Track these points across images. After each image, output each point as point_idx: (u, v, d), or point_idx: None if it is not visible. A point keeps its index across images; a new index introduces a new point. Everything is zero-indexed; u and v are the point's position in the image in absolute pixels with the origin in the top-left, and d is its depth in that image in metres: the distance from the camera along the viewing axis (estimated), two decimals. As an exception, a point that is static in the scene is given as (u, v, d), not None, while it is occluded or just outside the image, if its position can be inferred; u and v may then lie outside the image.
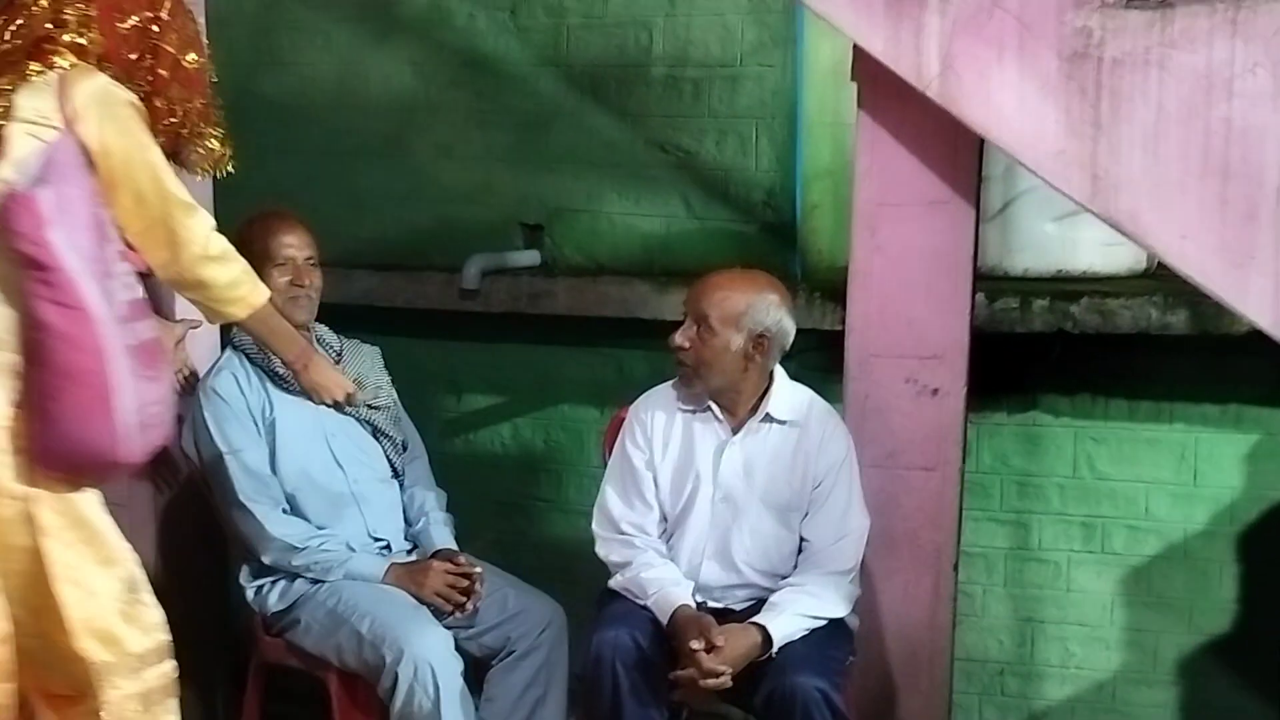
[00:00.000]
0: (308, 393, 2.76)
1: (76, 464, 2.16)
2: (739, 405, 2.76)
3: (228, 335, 2.99)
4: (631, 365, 4.07)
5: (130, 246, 2.26)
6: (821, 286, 3.76)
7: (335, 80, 4.35)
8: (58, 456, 2.13)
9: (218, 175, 2.53)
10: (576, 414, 4.23)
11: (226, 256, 2.38)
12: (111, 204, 2.19)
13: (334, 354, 3.04)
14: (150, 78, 2.30)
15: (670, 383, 2.84)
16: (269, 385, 2.89)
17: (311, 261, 2.95)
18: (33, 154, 2.09)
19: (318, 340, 3.03)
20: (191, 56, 2.35)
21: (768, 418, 2.76)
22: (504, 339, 4.24)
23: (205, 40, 2.44)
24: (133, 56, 2.27)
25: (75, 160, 2.13)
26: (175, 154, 2.41)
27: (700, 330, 2.68)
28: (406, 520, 3.03)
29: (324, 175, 4.34)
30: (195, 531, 3.05)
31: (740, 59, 3.88)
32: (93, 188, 2.15)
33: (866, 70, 2.81)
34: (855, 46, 2.78)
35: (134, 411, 2.14)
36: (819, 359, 3.76)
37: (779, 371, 2.81)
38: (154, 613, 2.29)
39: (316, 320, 3.03)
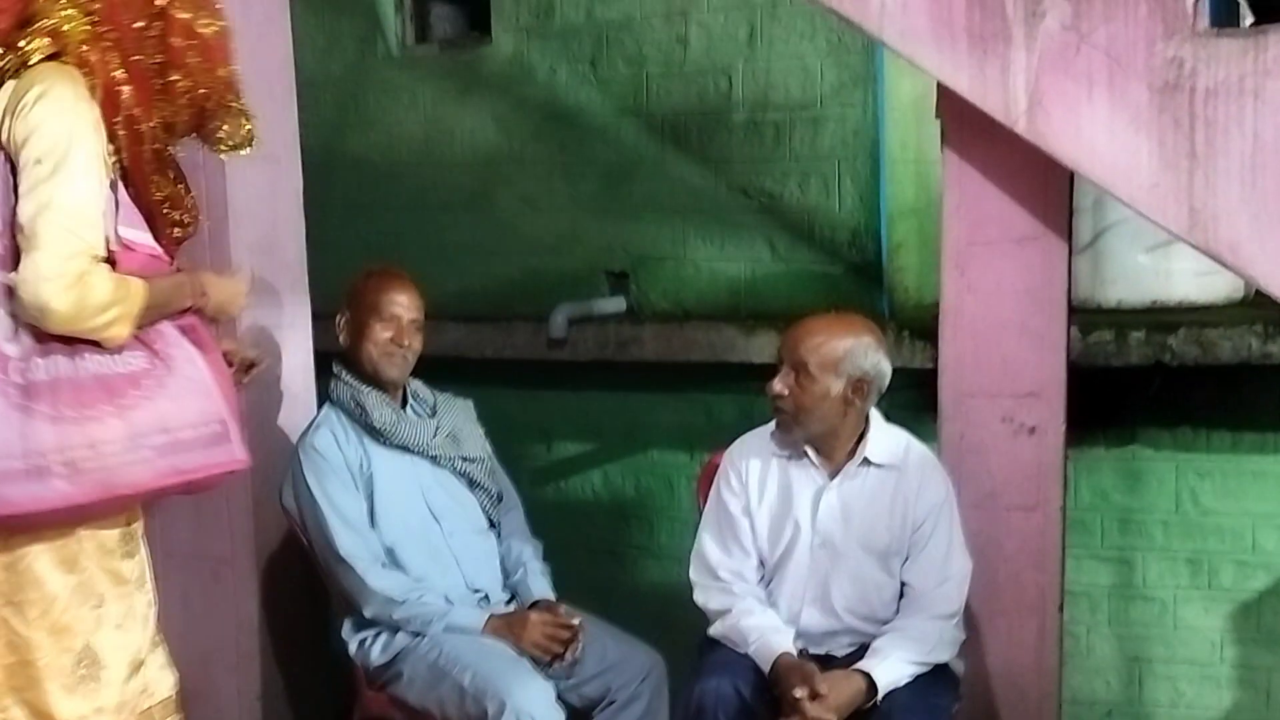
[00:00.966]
0: (215, 316, 2.28)
1: None
2: (836, 450, 2.74)
3: (326, 392, 3.03)
4: (720, 409, 4.07)
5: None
6: (910, 324, 3.73)
7: (421, 137, 4.43)
8: None
9: (240, 151, 2.31)
10: (666, 459, 4.23)
11: (89, 293, 1.97)
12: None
13: (428, 408, 3.07)
14: (162, 47, 2.12)
15: (764, 428, 2.83)
16: (366, 440, 2.93)
17: (416, 324, 2.99)
18: None
19: (413, 395, 3.06)
20: (205, 21, 2.16)
21: (865, 462, 2.73)
22: (592, 386, 4.26)
23: (220, 8, 2.21)
24: (139, 24, 2.09)
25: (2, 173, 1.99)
26: (199, 129, 2.24)
27: (799, 377, 2.67)
28: (504, 571, 3.04)
29: (411, 230, 4.41)
30: (298, 586, 3.09)
31: (821, 100, 3.89)
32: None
33: (951, 108, 2.79)
34: (940, 85, 2.77)
35: (19, 456, 1.92)
36: (910, 398, 3.72)
37: (874, 414, 2.79)
38: (108, 693, 2.09)
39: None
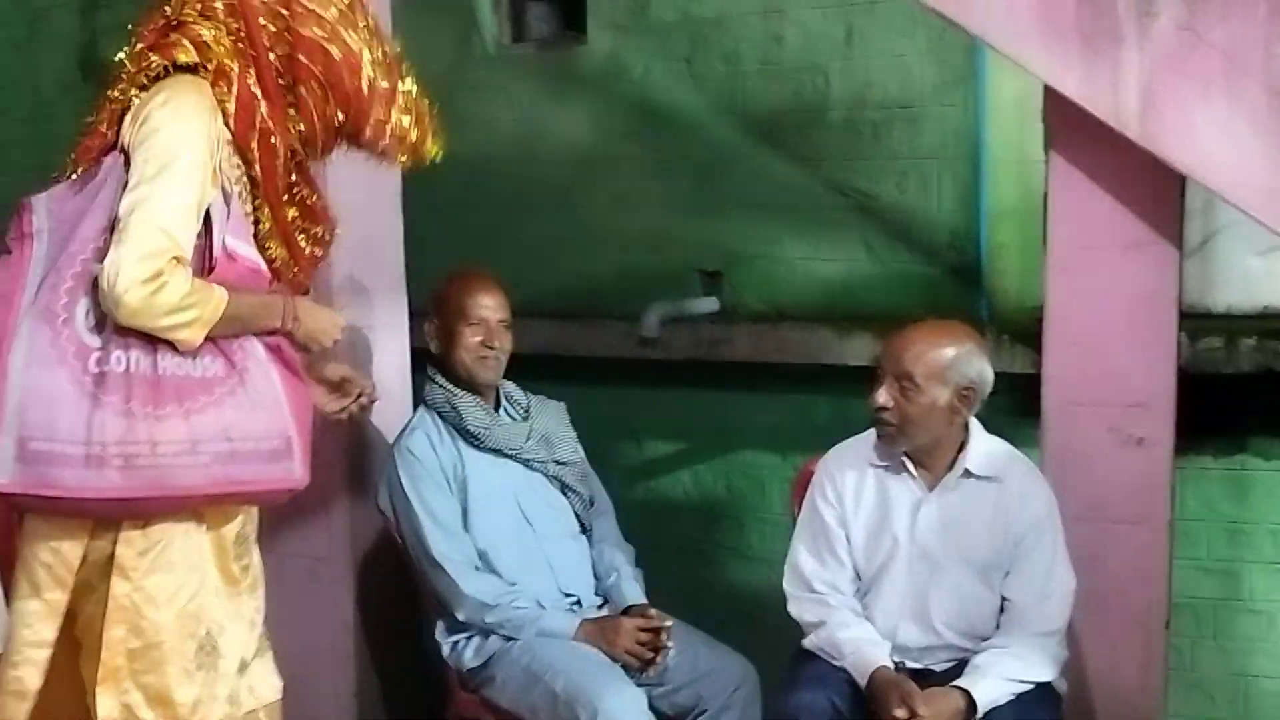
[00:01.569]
0: (305, 344, 2.27)
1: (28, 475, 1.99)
2: (936, 461, 2.69)
3: (420, 394, 3.05)
4: (814, 411, 4.02)
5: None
6: (1010, 329, 3.65)
7: (516, 135, 4.43)
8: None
9: (424, 163, 2.39)
10: (758, 460, 4.19)
11: (163, 290, 2.00)
12: None
13: (522, 410, 3.07)
14: (290, 65, 2.16)
15: (859, 438, 2.78)
16: (460, 443, 2.94)
17: (505, 324, 2.98)
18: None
19: (506, 397, 3.07)
20: (327, 37, 2.17)
21: (965, 473, 2.68)
22: (684, 386, 4.23)
23: (364, 24, 2.22)
24: (270, 42, 2.14)
25: (116, 173, 2.06)
26: (356, 140, 2.29)
27: (903, 388, 2.61)
28: (596, 576, 3.03)
29: (505, 227, 4.42)
30: (393, 586, 3.10)
31: (920, 98, 3.82)
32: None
33: (1058, 110, 2.72)
34: (1046, 87, 2.70)
35: (30, 439, 1.96)
36: (1009, 403, 3.63)
37: (975, 424, 2.73)
38: (223, 683, 2.14)
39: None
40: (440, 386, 2.96)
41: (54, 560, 2.08)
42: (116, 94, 2.12)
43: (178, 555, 2.11)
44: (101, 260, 1.99)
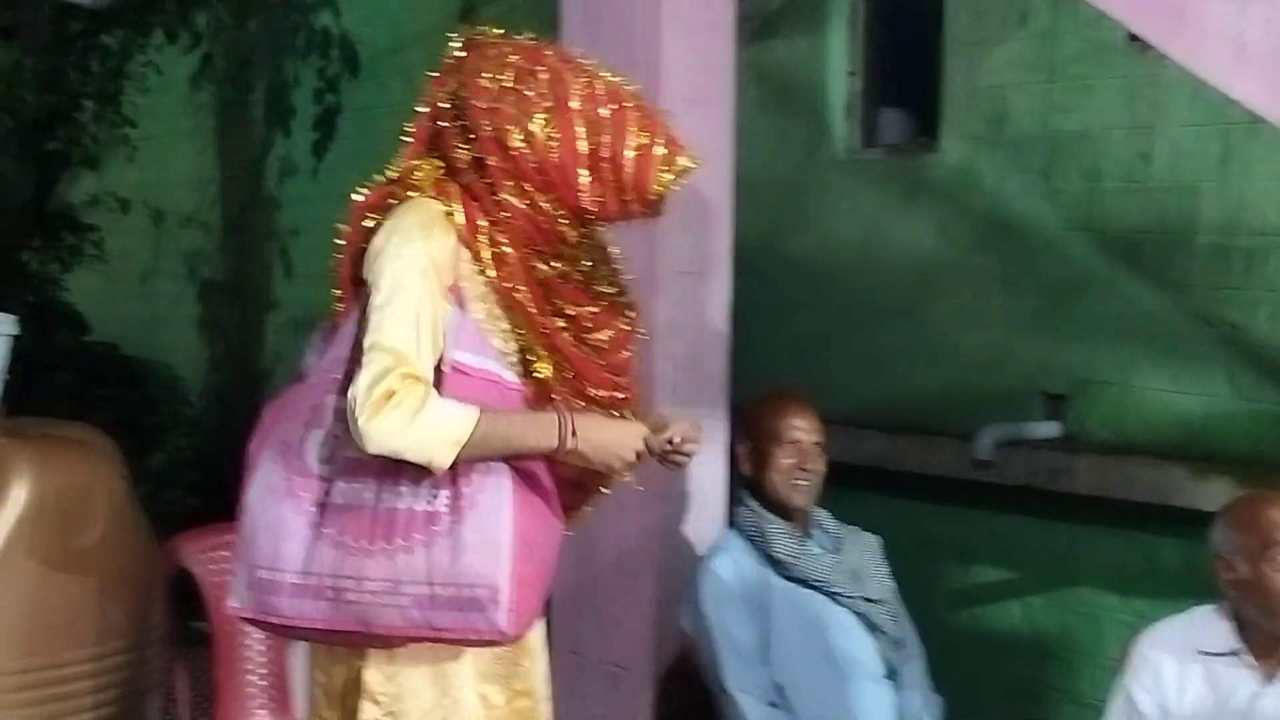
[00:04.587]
0: (602, 469, 2.13)
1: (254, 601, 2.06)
2: (1276, 646, 2.42)
3: (732, 516, 3.04)
4: (1161, 554, 3.73)
5: None
6: (1392, 485, 3.27)
7: (859, 241, 4.39)
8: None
9: (669, 190, 2.12)
10: (1095, 599, 3.93)
11: (401, 408, 1.94)
12: None
13: (833, 539, 2.99)
14: (481, 170, 2.09)
15: (1180, 619, 2.54)
16: (767, 570, 2.89)
17: (820, 447, 2.92)
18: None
19: (817, 525, 3.00)
20: (522, 129, 2.05)
21: (1311, 662, 2.40)
22: (1018, 511, 4.03)
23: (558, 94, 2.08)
24: (459, 150, 2.10)
25: (354, 310, 2.08)
26: (601, 217, 2.13)
27: None
28: (898, 724, 2.90)
29: (841, 333, 4.38)
30: (694, 700, 3.08)
31: (1303, 227, 3.50)
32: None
33: None
34: None
35: (257, 567, 2.01)
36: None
37: (1317, 605, 2.45)
38: None
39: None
40: (750, 510, 2.94)
41: (325, 679, 2.16)
42: (351, 245, 2.14)
43: (419, 682, 2.10)
44: (338, 392, 2.03)
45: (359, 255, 2.10)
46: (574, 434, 2.05)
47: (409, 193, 2.11)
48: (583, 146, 2.06)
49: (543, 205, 2.09)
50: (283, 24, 6.53)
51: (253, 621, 2.11)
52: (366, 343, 1.98)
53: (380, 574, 1.98)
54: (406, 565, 1.98)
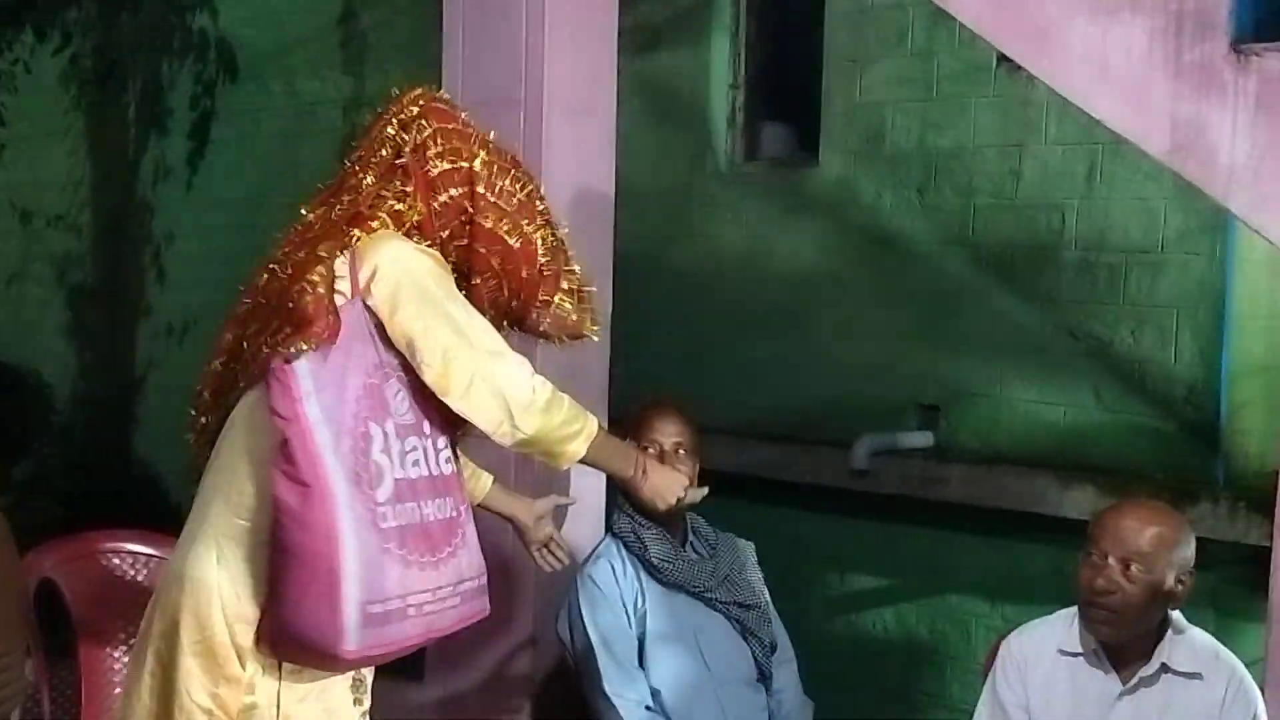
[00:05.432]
0: (649, 502, 2.46)
1: (300, 649, 2.05)
2: (1132, 652, 2.50)
3: (609, 522, 3.04)
4: (1028, 561, 3.84)
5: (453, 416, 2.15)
6: (1247, 495, 3.42)
7: (742, 253, 4.44)
8: (283, 639, 2.05)
9: (578, 339, 2.38)
10: (965, 606, 4.03)
11: (554, 398, 2.17)
12: (418, 368, 2.09)
13: (709, 546, 3.02)
14: (468, 255, 2.22)
15: (1048, 620, 2.61)
16: (643, 576, 2.90)
17: (679, 447, 2.91)
18: None
19: (694, 532, 3.02)
20: (508, 229, 2.21)
21: (1164, 668, 2.48)
22: (893, 520, 4.12)
23: (540, 209, 2.28)
24: (444, 233, 2.20)
25: (358, 329, 2.08)
26: (520, 323, 2.32)
27: (1128, 571, 2.43)
28: (772, 727, 2.94)
29: (724, 344, 4.43)
30: (571, 714, 3.09)
31: (1163, 245, 3.64)
32: (376, 359, 2.08)
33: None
34: (1292, 257, 2.52)
35: (368, 603, 2.00)
36: (1241, 573, 3.40)
37: (1175, 615, 2.54)
38: None
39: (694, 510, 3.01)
40: (628, 517, 2.94)
41: (213, 706, 2.11)
42: (322, 252, 2.12)
43: (338, 699, 2.17)
44: (371, 417, 2.06)
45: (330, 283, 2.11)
46: (645, 472, 2.40)
47: (383, 228, 2.16)
48: (551, 269, 2.29)
49: (501, 300, 2.27)
50: (158, 24, 6.39)
51: (368, 659, 2.12)
52: (488, 344, 2.13)
53: (444, 581, 2.11)
54: (454, 569, 2.13)
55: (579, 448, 2.20)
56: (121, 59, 6.65)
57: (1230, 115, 2.39)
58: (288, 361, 2.02)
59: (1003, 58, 3.71)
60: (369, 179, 2.18)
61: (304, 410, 2.01)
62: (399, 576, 2.03)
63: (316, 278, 2.05)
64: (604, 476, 3.21)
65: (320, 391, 2.03)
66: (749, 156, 4.53)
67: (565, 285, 2.31)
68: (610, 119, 3.23)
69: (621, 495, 3.00)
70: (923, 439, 4.02)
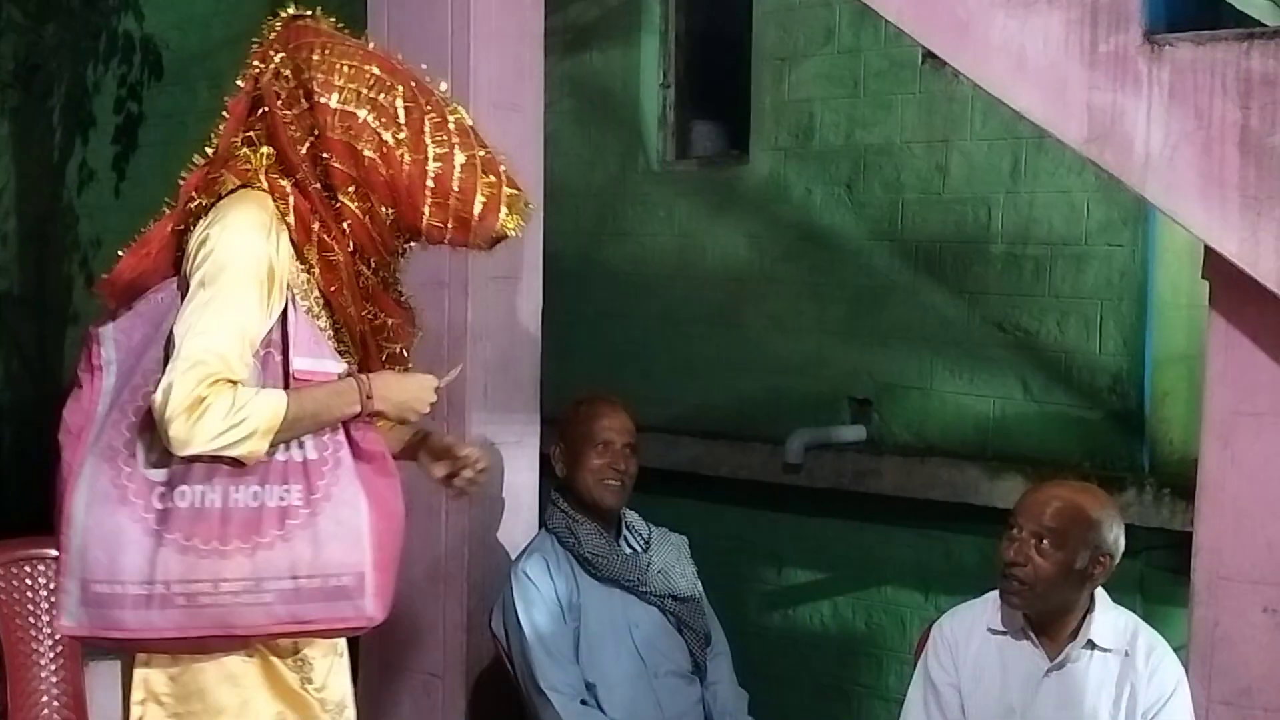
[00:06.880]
0: (399, 419, 2.15)
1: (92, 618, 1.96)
2: (1059, 629, 2.54)
3: (542, 517, 3.04)
4: (960, 550, 3.89)
5: None
6: (1171, 481, 3.49)
7: (674, 251, 4.46)
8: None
9: (501, 240, 2.14)
10: (899, 597, 4.07)
11: (204, 411, 1.91)
12: None
13: (642, 540, 3.03)
14: (326, 172, 2.04)
15: (979, 602, 2.66)
16: (577, 570, 2.91)
17: (631, 448, 2.96)
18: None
19: (628, 526, 3.03)
20: (376, 140, 2.03)
21: (1089, 644, 2.53)
22: (827, 514, 4.15)
23: (429, 120, 2.06)
24: (302, 149, 2.03)
25: (175, 303, 2.00)
26: (420, 236, 2.11)
27: (1040, 545, 2.48)
28: (707, 718, 2.95)
29: (658, 342, 4.44)
30: (507, 707, 3.08)
31: (1086, 237, 3.70)
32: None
33: (1219, 270, 2.57)
34: (1206, 245, 2.56)
35: (93, 581, 1.92)
36: (1167, 559, 3.46)
37: (1100, 594, 2.58)
38: None
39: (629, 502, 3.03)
40: (562, 511, 2.95)
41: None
42: (171, 225, 2.08)
43: (208, 682, 2.04)
44: None
45: (179, 237, 2.06)
46: (370, 396, 2.05)
47: (236, 180, 2.05)
48: (433, 171, 2.06)
49: (378, 214, 2.08)
50: (83, 27, 6.29)
51: (91, 639, 2.01)
52: (180, 343, 1.92)
53: (239, 574, 1.95)
54: (267, 562, 1.96)
55: (257, 447, 1.94)
56: (45, 62, 6.54)
57: (1145, 104, 2.43)
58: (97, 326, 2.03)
59: (928, 54, 3.75)
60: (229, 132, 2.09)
61: (94, 380, 2.01)
62: (165, 560, 1.92)
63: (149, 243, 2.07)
64: (536, 472, 3.22)
65: (120, 362, 2.01)
66: (680, 155, 4.55)
67: (458, 181, 2.06)
68: (538, 114, 3.23)
69: (555, 490, 3.01)
70: (855, 433, 4.06)
